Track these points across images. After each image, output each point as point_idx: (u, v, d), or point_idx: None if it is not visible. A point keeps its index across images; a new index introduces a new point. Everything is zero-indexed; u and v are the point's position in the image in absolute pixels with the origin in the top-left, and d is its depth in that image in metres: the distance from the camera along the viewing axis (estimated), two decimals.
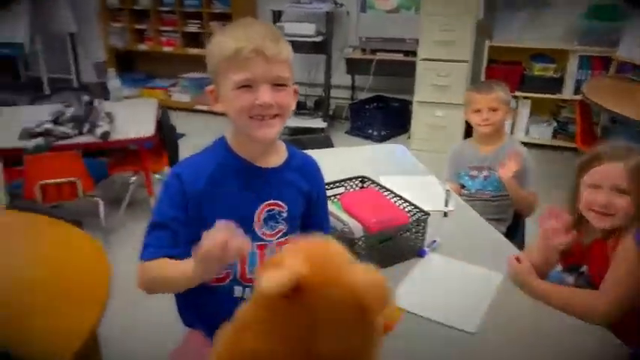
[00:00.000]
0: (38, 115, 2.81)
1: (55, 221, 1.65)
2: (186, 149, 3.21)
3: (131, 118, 3.00)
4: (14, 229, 1.69)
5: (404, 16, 4.32)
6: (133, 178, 3.12)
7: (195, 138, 3.67)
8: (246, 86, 0.98)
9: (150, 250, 1.03)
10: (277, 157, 1.12)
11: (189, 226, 1.04)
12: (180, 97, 5.19)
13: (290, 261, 0.48)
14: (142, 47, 5.29)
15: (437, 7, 3.85)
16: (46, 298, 1.28)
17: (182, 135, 3.17)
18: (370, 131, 4.47)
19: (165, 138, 2.98)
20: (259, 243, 1.09)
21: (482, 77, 4.09)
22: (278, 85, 1.00)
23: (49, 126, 2.65)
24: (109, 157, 3.10)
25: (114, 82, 3.30)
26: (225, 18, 4.79)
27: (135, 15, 5.17)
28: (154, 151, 3.04)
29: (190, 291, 1.08)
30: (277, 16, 4.39)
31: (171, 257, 1.03)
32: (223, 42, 1.00)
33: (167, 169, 3.18)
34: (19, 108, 3.42)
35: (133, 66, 5.57)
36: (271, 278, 0.46)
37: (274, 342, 0.49)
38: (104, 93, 3.55)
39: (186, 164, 1.09)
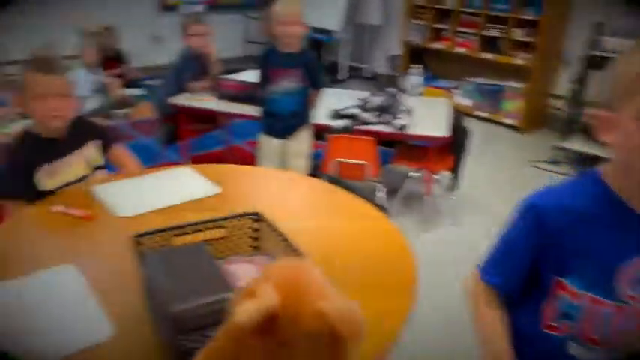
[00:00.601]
0: (336, 98, 3.07)
1: (358, 200, 1.73)
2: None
3: (425, 114, 3.04)
4: (324, 199, 1.84)
5: None
6: (414, 174, 3.17)
7: (472, 145, 3.55)
8: None
9: (491, 277, 1.02)
10: None
11: (535, 263, 0.97)
12: (462, 100, 5.11)
13: (261, 290, 0.45)
14: (436, 46, 5.36)
15: None
16: (362, 280, 1.30)
17: None
18: None
19: (456, 142, 2.93)
20: (617, 304, 0.90)
21: None
22: None
23: (355, 111, 2.85)
24: (395, 148, 3.20)
25: (416, 78, 3.38)
26: (531, 25, 4.51)
27: (438, 14, 5.28)
28: (439, 151, 3.02)
29: (520, 328, 0.99)
30: (598, 29, 3.91)
31: (507, 290, 1.01)
32: None
33: (447, 173, 3.14)
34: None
35: (418, 63, 5.71)
36: (243, 310, 0.44)
37: None
38: (394, 86, 3.69)
39: (548, 197, 0.95)
